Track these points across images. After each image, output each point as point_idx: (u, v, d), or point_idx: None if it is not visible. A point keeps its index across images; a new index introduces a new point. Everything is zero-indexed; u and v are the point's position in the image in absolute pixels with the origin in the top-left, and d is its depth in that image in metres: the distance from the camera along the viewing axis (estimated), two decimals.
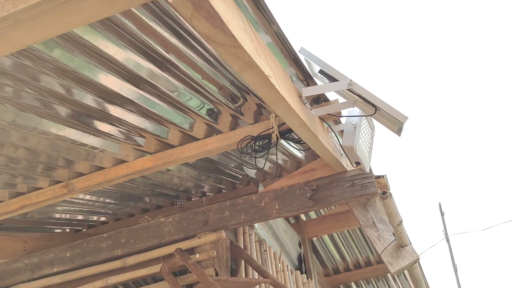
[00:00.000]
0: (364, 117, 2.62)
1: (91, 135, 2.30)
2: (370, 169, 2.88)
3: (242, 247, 3.20)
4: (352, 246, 5.80)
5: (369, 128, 2.77)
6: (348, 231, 5.21)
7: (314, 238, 5.23)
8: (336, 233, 5.28)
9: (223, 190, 3.99)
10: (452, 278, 9.76)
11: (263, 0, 1.42)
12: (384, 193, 2.32)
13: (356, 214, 2.86)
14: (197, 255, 2.86)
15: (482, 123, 30.00)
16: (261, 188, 3.69)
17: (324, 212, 4.80)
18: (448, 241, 9.89)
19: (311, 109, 2.12)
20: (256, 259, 3.30)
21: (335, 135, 2.56)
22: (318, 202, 2.89)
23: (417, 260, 2.61)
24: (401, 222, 2.47)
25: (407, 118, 1.88)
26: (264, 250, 3.49)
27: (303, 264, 4.70)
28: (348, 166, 2.92)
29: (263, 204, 2.98)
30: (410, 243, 2.71)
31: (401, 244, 2.64)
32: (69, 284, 3.17)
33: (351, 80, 1.84)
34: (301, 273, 4.28)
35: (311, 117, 2.04)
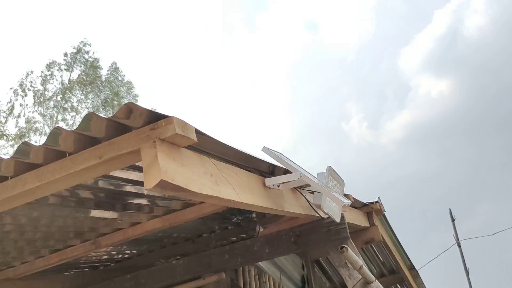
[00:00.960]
0: (330, 176, 3.21)
1: (111, 212, 2.95)
2: (342, 216, 3.43)
3: (242, 283, 3.81)
4: None
5: (338, 184, 3.34)
6: None
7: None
8: None
9: (229, 227, 4.60)
10: (464, 281, 10.15)
11: (220, 142, 2.01)
12: (342, 247, 2.87)
13: (332, 255, 3.43)
14: None
15: None
16: (258, 227, 4.29)
17: None
18: (459, 245, 10.29)
19: (278, 186, 2.70)
20: None
21: (305, 197, 3.13)
22: (301, 246, 3.47)
23: None
24: (361, 266, 3.02)
25: (343, 202, 2.46)
26: (264, 281, 4.08)
27: (306, 285, 5.26)
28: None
29: (256, 248, 3.57)
30: (376, 280, 3.26)
31: (367, 281, 3.19)
32: None
33: (301, 173, 2.42)
34: None
35: (276, 195, 2.63)
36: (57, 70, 23.51)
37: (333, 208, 3.22)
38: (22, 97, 22.89)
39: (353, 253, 2.94)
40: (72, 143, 1.74)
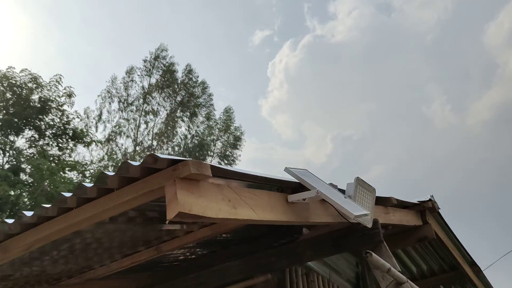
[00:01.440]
0: (359, 186, 3.50)
1: (170, 224, 3.47)
2: (376, 221, 3.68)
3: (289, 282, 4.18)
4: (415, 257, 6.45)
5: (368, 192, 3.61)
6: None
7: None
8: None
9: (282, 229, 5.00)
10: None
11: (238, 171, 2.41)
12: (366, 253, 3.15)
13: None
14: None
15: None
16: (305, 230, 4.64)
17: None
18: None
19: (304, 200, 3.04)
20: None
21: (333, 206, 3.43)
22: (338, 249, 3.80)
23: None
24: (389, 269, 3.28)
25: (354, 215, 2.76)
26: (311, 280, 4.42)
27: (361, 282, 5.51)
28: None
29: (298, 251, 3.94)
30: (407, 281, 3.49)
31: (398, 282, 3.44)
32: None
33: (317, 190, 2.76)
34: None
35: (301, 209, 2.98)
36: (138, 75, 25.14)
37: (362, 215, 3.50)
38: (110, 103, 24.80)
39: (378, 258, 3.20)
40: (116, 182, 2.23)
